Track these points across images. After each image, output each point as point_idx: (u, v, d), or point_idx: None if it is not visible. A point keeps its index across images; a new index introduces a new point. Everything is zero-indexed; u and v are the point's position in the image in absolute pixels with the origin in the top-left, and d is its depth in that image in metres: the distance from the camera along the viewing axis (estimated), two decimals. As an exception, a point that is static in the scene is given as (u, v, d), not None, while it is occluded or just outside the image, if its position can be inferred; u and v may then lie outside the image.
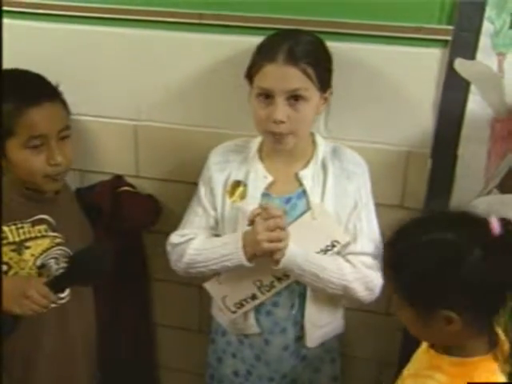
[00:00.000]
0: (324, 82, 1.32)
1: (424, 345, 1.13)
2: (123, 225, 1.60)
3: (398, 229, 1.03)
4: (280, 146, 1.33)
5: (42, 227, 1.40)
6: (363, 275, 1.35)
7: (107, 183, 1.67)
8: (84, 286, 1.45)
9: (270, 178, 1.38)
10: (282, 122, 1.28)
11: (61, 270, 1.39)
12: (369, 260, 1.36)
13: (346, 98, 1.47)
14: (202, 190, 1.44)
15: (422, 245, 0.97)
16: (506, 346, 1.03)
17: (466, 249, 0.94)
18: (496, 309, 1.00)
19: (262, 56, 1.30)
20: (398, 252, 1.01)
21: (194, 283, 1.63)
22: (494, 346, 1.02)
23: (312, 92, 1.29)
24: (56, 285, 1.28)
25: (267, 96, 1.28)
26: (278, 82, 1.26)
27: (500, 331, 1.06)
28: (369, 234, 1.37)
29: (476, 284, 0.94)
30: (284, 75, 1.26)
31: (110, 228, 1.57)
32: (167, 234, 1.47)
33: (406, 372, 1.12)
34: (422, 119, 1.48)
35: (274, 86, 1.27)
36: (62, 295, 1.41)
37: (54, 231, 1.41)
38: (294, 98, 1.27)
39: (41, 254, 1.38)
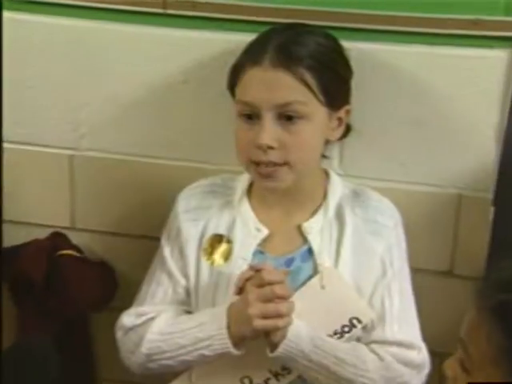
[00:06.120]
0: (334, 96, 1.17)
1: None
2: (63, 304, 1.43)
3: None
4: (270, 182, 1.18)
5: None
6: (395, 374, 1.19)
7: (41, 244, 1.48)
8: None
9: (264, 231, 1.23)
10: (271, 148, 1.13)
11: None
12: (402, 352, 1.20)
13: (369, 122, 1.31)
14: (168, 250, 1.28)
15: None
16: None
17: None
18: None
19: (245, 57, 1.18)
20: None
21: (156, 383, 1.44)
22: None
23: (314, 108, 1.15)
24: None
25: (251, 115, 1.16)
26: (262, 92, 1.13)
27: None
28: (402, 314, 1.23)
29: None
30: (271, 83, 1.13)
31: (43, 308, 1.42)
32: (115, 310, 1.30)
33: None
34: (479, 150, 1.32)
35: (258, 98, 1.13)
36: None
37: None
38: (288, 115, 1.14)
39: None
